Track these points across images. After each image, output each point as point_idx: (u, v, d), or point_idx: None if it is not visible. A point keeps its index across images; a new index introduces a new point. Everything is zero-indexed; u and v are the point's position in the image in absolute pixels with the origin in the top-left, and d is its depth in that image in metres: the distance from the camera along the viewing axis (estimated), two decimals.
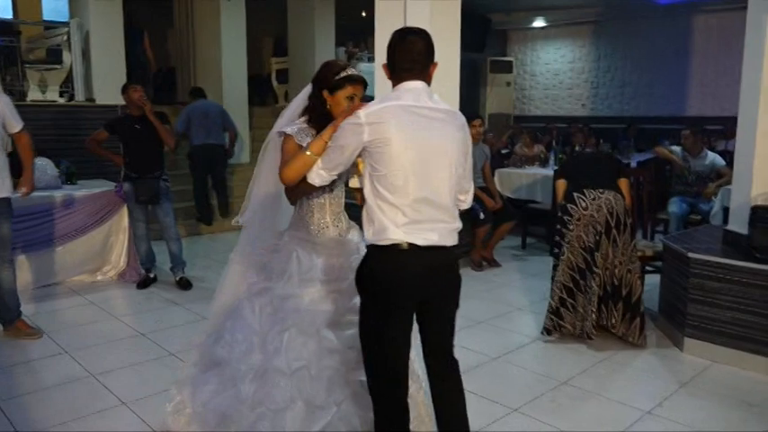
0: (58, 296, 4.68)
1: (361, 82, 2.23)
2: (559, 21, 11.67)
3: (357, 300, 2.23)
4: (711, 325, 3.57)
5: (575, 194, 3.78)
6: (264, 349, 2.22)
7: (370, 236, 1.95)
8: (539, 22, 11.94)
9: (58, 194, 4.92)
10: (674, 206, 5.80)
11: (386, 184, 1.91)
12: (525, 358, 3.64)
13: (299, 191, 2.18)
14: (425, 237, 1.93)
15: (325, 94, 2.21)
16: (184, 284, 4.92)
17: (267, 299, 2.29)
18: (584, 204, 3.74)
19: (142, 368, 3.42)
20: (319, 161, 1.99)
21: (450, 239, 2.02)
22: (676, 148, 6.22)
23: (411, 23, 5.16)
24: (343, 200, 2.38)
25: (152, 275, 5.04)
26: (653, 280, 4.45)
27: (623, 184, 3.92)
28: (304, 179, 2.03)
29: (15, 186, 3.79)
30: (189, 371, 2.51)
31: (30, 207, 4.68)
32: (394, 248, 1.92)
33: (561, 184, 4.05)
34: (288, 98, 9.57)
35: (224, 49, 8.22)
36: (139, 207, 4.85)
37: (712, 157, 5.93)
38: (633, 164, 7.15)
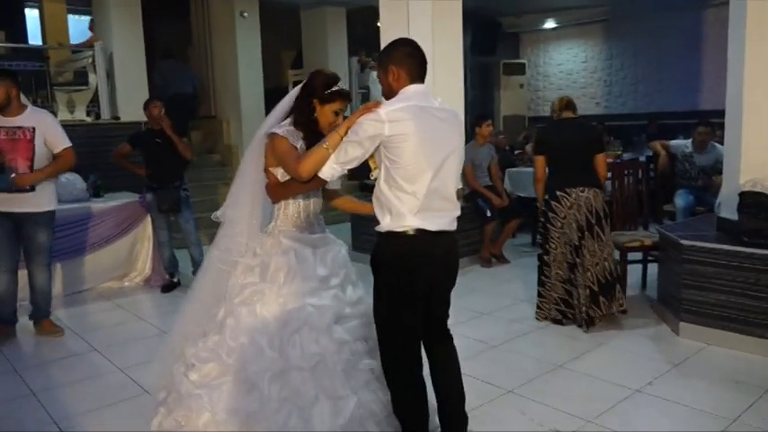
0: (89, 301, 5.01)
1: (349, 98, 2.40)
2: (570, 21, 11.79)
3: (353, 292, 2.43)
4: (705, 308, 3.70)
5: (558, 193, 3.95)
6: (279, 349, 2.23)
7: (388, 223, 2.16)
8: (549, 24, 12.07)
9: (86, 207, 5.25)
10: (680, 198, 5.90)
11: (404, 175, 2.11)
12: (525, 345, 3.81)
13: (293, 189, 2.29)
14: (436, 222, 2.17)
15: (316, 102, 2.34)
16: None
17: (270, 299, 2.28)
18: (568, 204, 3.93)
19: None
20: (333, 156, 2.13)
21: (454, 225, 2.28)
22: (681, 143, 6.30)
23: (414, 26, 5.43)
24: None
25: (176, 280, 5.33)
26: (653, 270, 4.58)
27: (600, 160, 4.02)
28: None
29: None
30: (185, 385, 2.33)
31: (60, 219, 4.96)
32: (410, 233, 2.14)
33: (540, 160, 4.11)
34: None
35: (240, 63, 8.58)
36: (161, 215, 5.16)
37: (718, 151, 5.98)
38: (642, 158, 7.27)
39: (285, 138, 2.30)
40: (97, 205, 5.31)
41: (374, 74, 9.60)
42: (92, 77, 7.31)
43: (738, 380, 3.19)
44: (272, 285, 2.30)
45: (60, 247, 5.01)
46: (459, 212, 2.29)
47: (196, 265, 5.26)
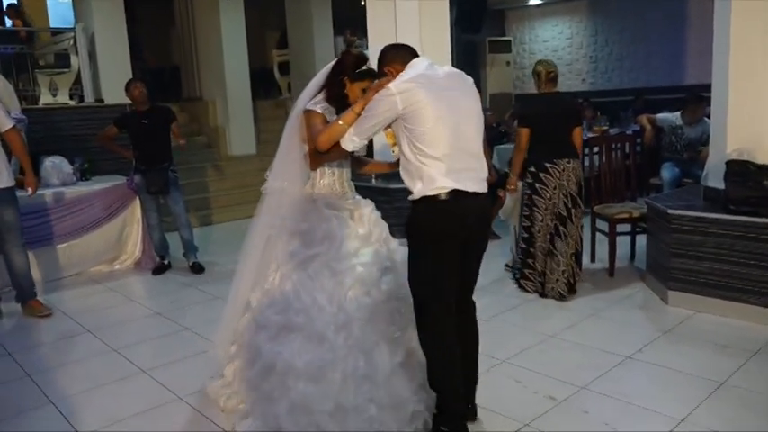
0: (79, 285, 4.97)
1: (375, 77, 2.53)
2: None
3: (388, 246, 2.64)
4: (693, 276, 3.75)
5: (546, 164, 3.99)
6: (338, 305, 2.45)
7: (420, 189, 2.25)
8: (535, 0, 12.02)
9: (74, 190, 5.21)
10: (667, 171, 5.95)
11: (426, 140, 2.20)
12: (516, 317, 3.86)
13: (326, 157, 2.52)
14: (466, 183, 2.25)
15: (346, 80, 2.54)
16: (197, 269, 5.18)
17: (320, 264, 2.52)
18: (558, 174, 3.99)
19: (159, 341, 3.70)
20: (351, 129, 2.32)
21: (484, 187, 2.35)
22: (669, 116, 6.33)
23: (400, 4, 5.43)
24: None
25: (166, 262, 5.31)
26: (641, 242, 4.64)
27: (578, 133, 4.13)
28: (336, 146, 2.38)
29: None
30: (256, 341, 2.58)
31: (48, 203, 4.98)
32: (444, 197, 2.22)
33: (525, 132, 4.10)
34: (290, 89, 9.80)
35: (225, 43, 8.43)
36: (151, 197, 5.13)
37: (707, 125, 6.00)
38: (629, 132, 7.30)
39: (322, 114, 2.53)
40: (85, 189, 5.27)
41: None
42: (74, 60, 7.19)
43: (726, 344, 3.26)
44: (320, 251, 2.53)
45: (49, 231, 4.98)
46: (486, 173, 2.37)
47: (187, 246, 5.25)
